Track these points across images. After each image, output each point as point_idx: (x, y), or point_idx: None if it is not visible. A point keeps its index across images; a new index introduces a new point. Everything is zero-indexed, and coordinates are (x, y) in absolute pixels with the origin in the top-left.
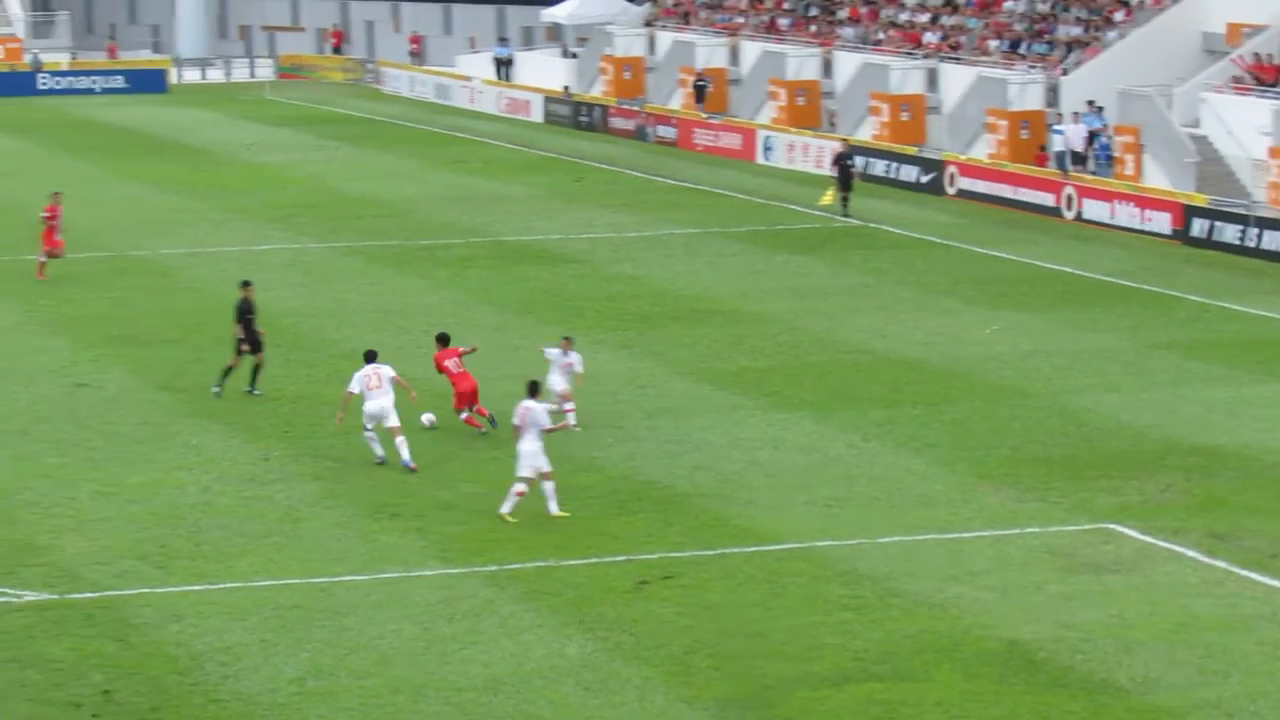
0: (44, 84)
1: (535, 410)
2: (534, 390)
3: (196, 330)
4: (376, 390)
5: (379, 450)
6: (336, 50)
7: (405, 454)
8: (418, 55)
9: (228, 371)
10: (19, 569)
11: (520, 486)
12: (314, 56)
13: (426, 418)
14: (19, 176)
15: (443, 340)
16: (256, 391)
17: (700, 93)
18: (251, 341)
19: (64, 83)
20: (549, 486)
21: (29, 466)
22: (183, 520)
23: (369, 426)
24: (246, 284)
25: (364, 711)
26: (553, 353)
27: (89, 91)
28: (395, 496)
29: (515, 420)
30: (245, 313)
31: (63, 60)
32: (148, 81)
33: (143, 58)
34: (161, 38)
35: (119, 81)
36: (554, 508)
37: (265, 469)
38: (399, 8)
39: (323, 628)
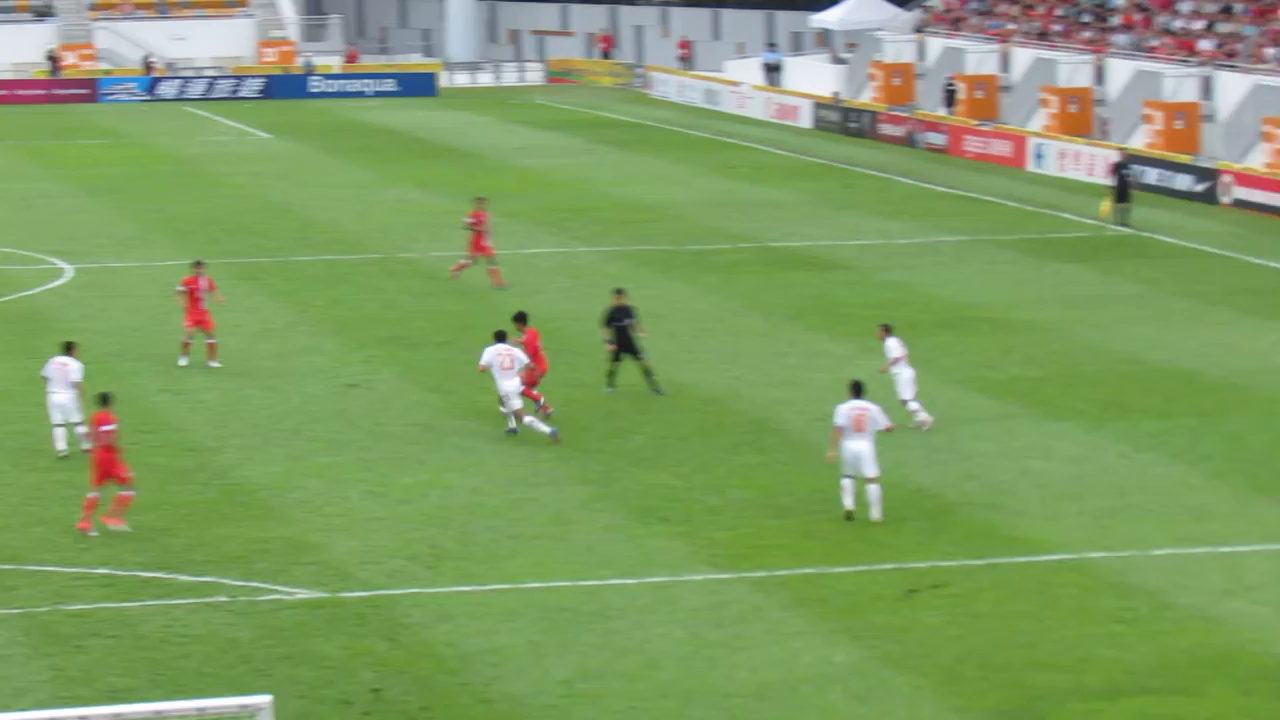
0: (315, 86)
1: (873, 411)
2: (858, 390)
3: (465, 333)
4: (507, 371)
5: (512, 423)
6: (605, 55)
7: (544, 428)
8: (686, 60)
9: (611, 373)
10: (291, 567)
11: (846, 482)
12: (583, 61)
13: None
14: (290, 178)
15: (522, 320)
16: (663, 392)
17: (950, 97)
18: (625, 346)
19: (335, 85)
20: (874, 491)
21: (301, 466)
22: (452, 521)
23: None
24: (619, 291)
25: (631, 715)
26: (891, 343)
27: (360, 94)
28: (664, 501)
29: (841, 421)
30: (615, 319)
31: (334, 63)
32: (418, 85)
33: (413, 61)
34: (432, 41)
35: (390, 84)
36: (876, 513)
37: (534, 471)
38: (668, 13)
39: (590, 630)
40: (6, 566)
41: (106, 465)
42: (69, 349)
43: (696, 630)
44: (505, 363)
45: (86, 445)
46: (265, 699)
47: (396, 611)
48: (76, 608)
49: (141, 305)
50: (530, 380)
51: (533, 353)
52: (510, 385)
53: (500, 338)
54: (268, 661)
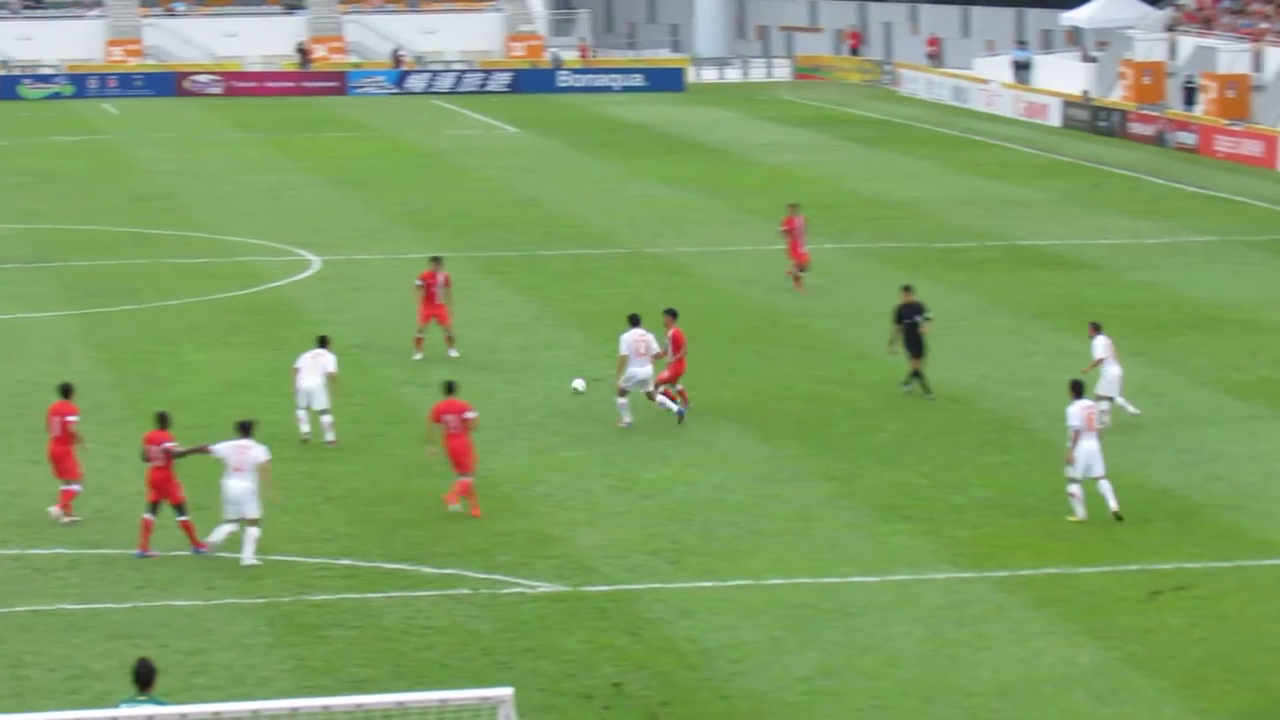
0: (563, 81)
1: (1094, 409)
2: (1079, 390)
3: (708, 329)
4: (642, 358)
5: (672, 405)
6: (854, 51)
7: (675, 407)
8: (935, 57)
9: (914, 373)
10: (534, 560)
11: (1076, 489)
12: (831, 57)
13: (577, 383)
14: (537, 172)
15: (672, 315)
16: (929, 396)
17: (1190, 95)
18: (911, 344)
19: (583, 80)
20: (1106, 485)
21: (545, 459)
22: (694, 517)
23: (628, 389)
24: (907, 288)
25: (872, 713)
26: (1099, 341)
27: (607, 89)
28: (907, 499)
29: (1077, 422)
30: (904, 316)
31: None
32: (666, 80)
33: (661, 56)
34: (680, 37)
35: (637, 80)
36: (1114, 503)
37: (777, 467)
38: (917, 9)
39: (832, 628)
40: (270, 558)
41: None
42: (323, 343)
43: (938, 629)
44: (640, 349)
45: (330, 437)
46: (507, 691)
47: (638, 606)
48: (320, 598)
49: (387, 297)
50: (673, 375)
51: (675, 350)
52: (644, 371)
53: (635, 321)
54: (509, 654)
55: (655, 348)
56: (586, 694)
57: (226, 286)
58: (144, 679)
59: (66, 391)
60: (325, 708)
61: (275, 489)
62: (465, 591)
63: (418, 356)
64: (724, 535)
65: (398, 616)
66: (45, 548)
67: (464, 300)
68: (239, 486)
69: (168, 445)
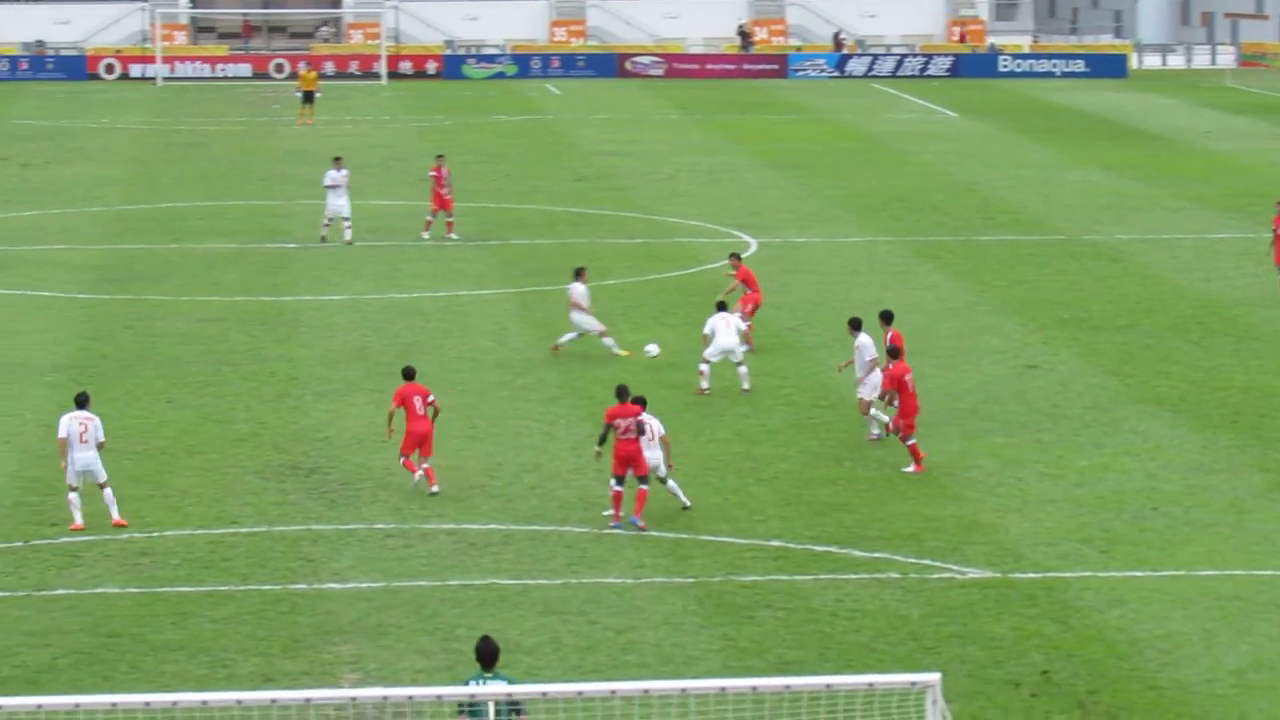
0: (1004, 66)
1: None
2: None
3: (1145, 317)
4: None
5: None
6: None
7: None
8: None
9: None
10: (964, 546)
11: None
12: (1278, 45)
13: (650, 349)
14: (976, 157)
15: (887, 319)
16: None
17: None
18: None
19: (1024, 65)
20: None
21: (977, 445)
22: (1127, 506)
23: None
24: None
25: None
26: None
27: (1048, 75)
28: None
29: None
30: None
31: (1023, 43)
32: (1107, 66)
33: (1103, 42)
34: (1123, 23)
35: (1079, 65)
36: None
37: (1211, 458)
38: None
39: (1265, 621)
40: (682, 536)
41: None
42: (721, 307)
43: None
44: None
45: (746, 386)
46: (934, 676)
47: (1068, 594)
48: (749, 579)
49: (822, 280)
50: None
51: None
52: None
53: (856, 326)
54: (937, 640)
55: (865, 357)
56: (1014, 681)
57: (663, 267)
58: (487, 657)
59: (411, 374)
60: (754, 689)
61: (708, 470)
62: (894, 576)
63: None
64: (1156, 525)
65: (826, 599)
66: (479, 523)
67: (900, 284)
68: (655, 456)
69: (642, 418)
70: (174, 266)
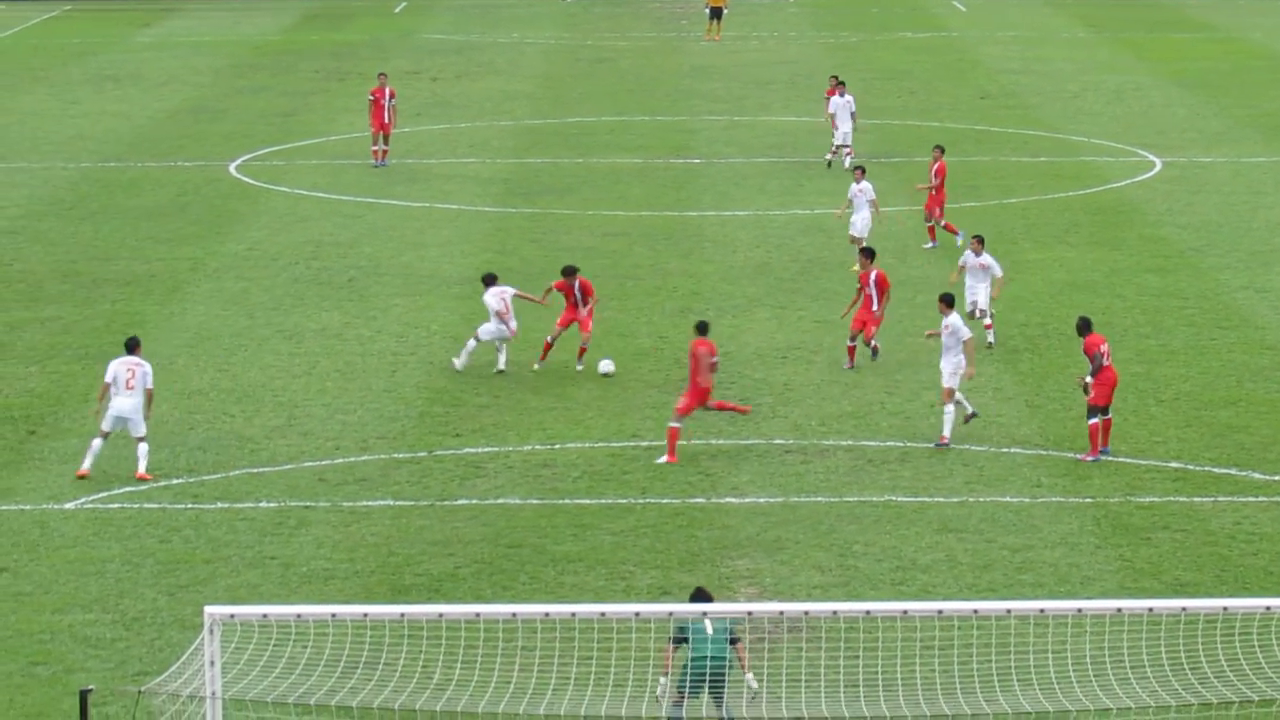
0: None
1: None
2: None
3: None
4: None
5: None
6: None
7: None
8: None
9: None
10: None
11: None
12: None
13: (604, 366)
14: None
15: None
16: None
17: None
18: None
19: None
20: None
21: None
22: None
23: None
24: None
25: None
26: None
27: None
28: None
29: None
30: None
31: None
32: None
33: None
34: None
35: None
36: None
37: None
38: None
39: None
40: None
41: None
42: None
43: None
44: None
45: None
46: None
47: None
48: (1147, 500)
49: (1228, 200)
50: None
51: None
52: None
53: (948, 304)
54: None
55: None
56: None
57: (1067, 186)
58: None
59: (704, 329)
60: (1150, 609)
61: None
62: None
63: None
64: None
65: (1224, 521)
66: (878, 440)
67: None
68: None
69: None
70: (580, 181)
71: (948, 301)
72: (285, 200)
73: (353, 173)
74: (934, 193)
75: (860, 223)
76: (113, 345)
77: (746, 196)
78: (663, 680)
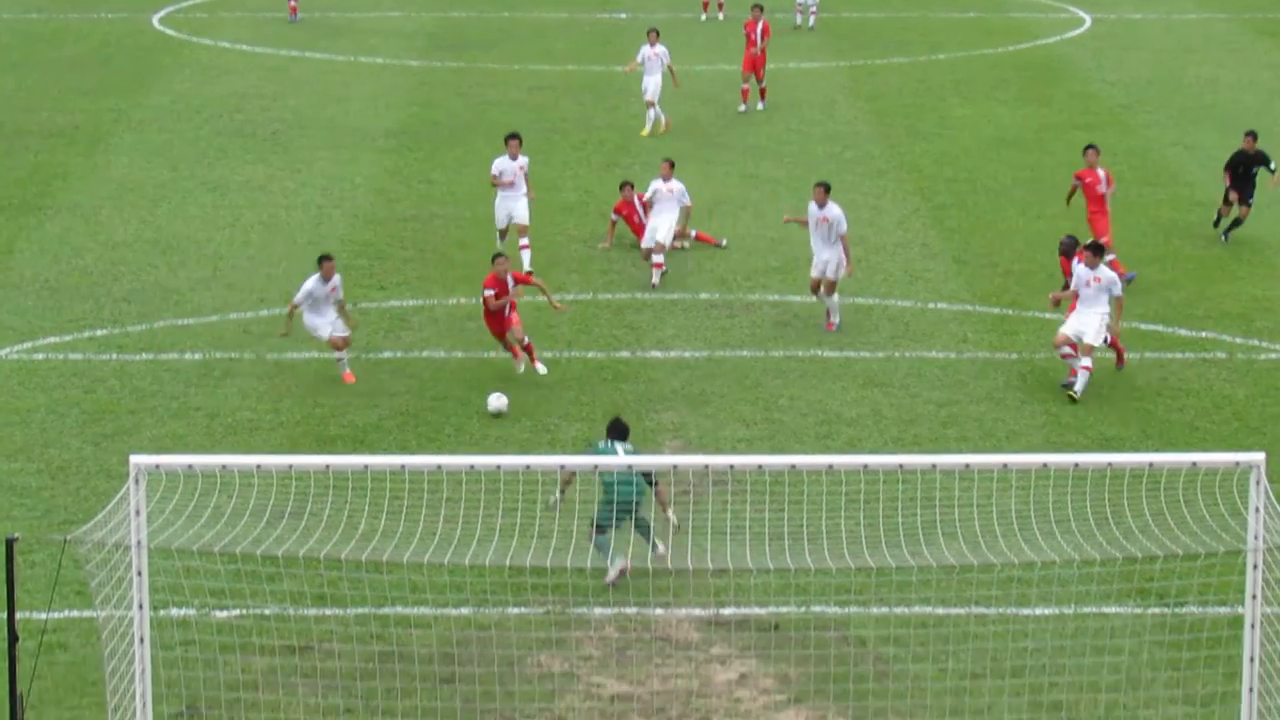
0: None
1: None
2: None
3: None
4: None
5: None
6: None
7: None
8: None
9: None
10: None
11: None
12: None
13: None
14: None
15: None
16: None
17: None
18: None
19: None
20: None
21: None
22: None
23: None
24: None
25: None
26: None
27: None
28: None
29: None
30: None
31: None
32: None
33: None
34: None
35: None
36: None
37: None
38: None
39: None
40: (1007, 311)
41: None
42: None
43: None
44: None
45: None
46: (1259, 456)
47: None
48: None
49: (1157, 58)
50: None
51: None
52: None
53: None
54: (1262, 420)
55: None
56: None
57: (997, 42)
58: (620, 433)
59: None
60: (1075, 465)
61: (1034, 247)
62: (1220, 355)
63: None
64: None
65: (1150, 378)
66: (803, 295)
67: (1235, 62)
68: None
69: None
70: (505, 35)
71: (1096, 250)
72: (209, 53)
73: (275, 26)
74: (760, 54)
75: (652, 86)
76: (35, 195)
77: (673, 51)
78: (556, 495)
